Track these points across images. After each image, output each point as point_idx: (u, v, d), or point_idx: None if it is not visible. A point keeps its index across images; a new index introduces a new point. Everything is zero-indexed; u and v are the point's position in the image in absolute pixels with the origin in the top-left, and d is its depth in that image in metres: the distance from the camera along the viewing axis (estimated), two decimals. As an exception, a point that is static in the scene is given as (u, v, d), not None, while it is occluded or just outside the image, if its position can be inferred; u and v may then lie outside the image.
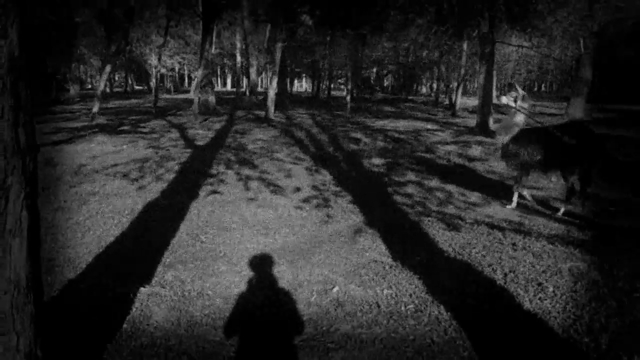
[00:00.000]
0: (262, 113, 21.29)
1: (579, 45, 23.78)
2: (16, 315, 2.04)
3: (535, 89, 59.82)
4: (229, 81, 67.95)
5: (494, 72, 18.44)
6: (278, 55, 21.66)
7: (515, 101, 6.88)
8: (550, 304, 4.02)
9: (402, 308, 4.05)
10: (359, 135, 15.91)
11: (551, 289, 4.27)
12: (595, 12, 20.28)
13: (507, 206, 7.18)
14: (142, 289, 4.30)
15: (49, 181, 8.24)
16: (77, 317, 3.73)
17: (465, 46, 26.33)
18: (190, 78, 57.78)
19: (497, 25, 17.98)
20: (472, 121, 20.10)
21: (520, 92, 7.02)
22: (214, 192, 7.97)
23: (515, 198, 7.24)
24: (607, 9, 20.68)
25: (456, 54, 29.21)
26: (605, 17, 21.16)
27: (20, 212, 2.05)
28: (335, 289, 4.45)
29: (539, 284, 4.36)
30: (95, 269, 4.75)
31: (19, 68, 2.01)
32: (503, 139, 7.14)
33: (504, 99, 6.99)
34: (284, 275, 4.80)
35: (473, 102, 31.99)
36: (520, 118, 6.97)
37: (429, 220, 6.44)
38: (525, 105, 6.94)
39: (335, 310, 4.05)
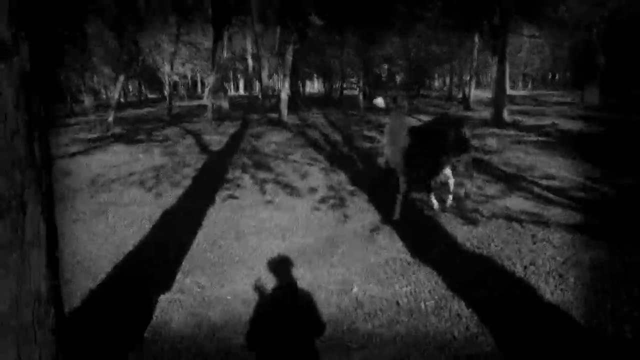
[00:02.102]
0: (276, 116, 21.32)
1: (591, 32, 23.48)
2: (37, 328, 2.07)
3: (550, 78, 59.13)
4: (241, 85, 68.14)
5: (507, 64, 18.24)
6: (289, 57, 21.67)
7: (394, 101, 6.15)
8: (572, 295, 3.97)
9: (422, 305, 4.03)
10: (373, 133, 15.89)
11: (572, 280, 4.22)
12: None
13: (436, 207, 6.73)
14: (162, 295, 4.33)
15: (67, 192, 8.33)
16: (98, 326, 3.76)
17: (476, 39, 26.14)
18: (202, 84, 58.07)
19: (508, 16, 17.82)
20: (486, 114, 19.95)
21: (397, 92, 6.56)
22: (231, 196, 8.00)
23: (434, 200, 6.80)
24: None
25: (467, 47, 29.00)
26: (616, 2, 20.87)
27: (38, 224, 2.08)
28: (354, 289, 4.44)
29: (560, 276, 4.32)
30: (115, 278, 4.80)
31: (32, 83, 2.04)
32: (390, 147, 6.30)
33: (379, 101, 6.12)
34: (302, 277, 4.80)
35: (487, 94, 31.75)
36: (401, 120, 6.21)
37: (446, 215, 6.40)
38: (404, 104, 6.24)
39: (355, 310, 4.04)
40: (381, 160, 6.78)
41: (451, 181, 7.10)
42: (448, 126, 6.96)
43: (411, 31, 27.67)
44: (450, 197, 7.04)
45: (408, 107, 6.36)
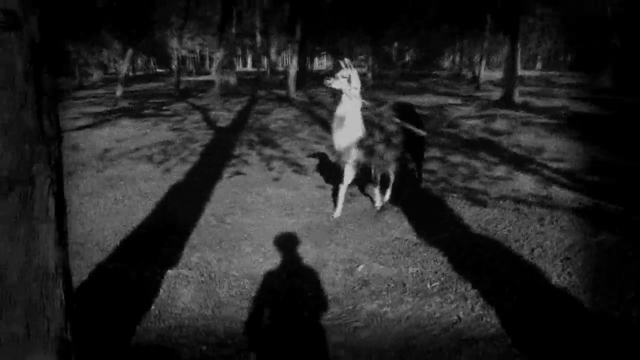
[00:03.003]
0: (283, 92, 21.22)
1: (606, 12, 23.09)
2: (46, 301, 2.07)
3: (561, 59, 58.34)
4: (249, 61, 67.78)
5: (519, 44, 18.00)
6: (298, 34, 21.49)
7: (349, 82, 5.42)
8: (578, 278, 3.95)
9: (428, 286, 4.03)
10: (381, 112, 15.77)
11: (580, 263, 4.20)
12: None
13: (377, 206, 6.23)
14: (169, 271, 4.35)
15: (75, 166, 8.36)
16: (105, 300, 3.80)
17: (488, 18, 25.78)
18: (211, 59, 57.75)
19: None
20: (496, 94, 19.76)
21: (350, 69, 5.49)
22: (238, 173, 8.00)
23: (378, 195, 6.26)
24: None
25: (479, 26, 28.62)
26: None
27: (47, 199, 2.07)
28: (360, 268, 4.45)
29: (567, 259, 4.30)
30: (122, 252, 4.82)
31: (41, 55, 2.01)
32: (339, 136, 5.68)
33: (336, 83, 5.41)
34: (308, 254, 4.81)
35: (498, 74, 31.44)
36: (353, 105, 5.55)
37: (453, 196, 6.37)
38: (357, 86, 5.50)
39: (361, 288, 4.05)
40: (339, 155, 5.87)
41: (393, 177, 6.52)
42: (404, 116, 6.21)
43: (423, 10, 27.33)
44: (389, 193, 6.54)
45: (363, 87, 5.65)
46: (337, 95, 5.63)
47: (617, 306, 3.50)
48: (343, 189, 5.98)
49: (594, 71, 25.52)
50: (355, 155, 5.71)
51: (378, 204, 6.24)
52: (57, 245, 2.13)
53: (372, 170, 6.08)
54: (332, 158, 5.95)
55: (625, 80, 24.01)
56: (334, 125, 5.66)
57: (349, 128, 5.54)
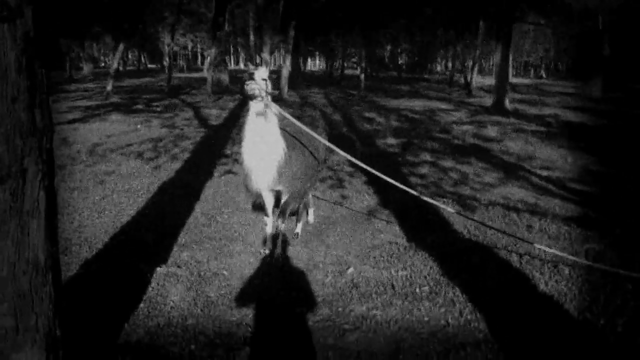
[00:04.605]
0: (276, 92, 21.16)
1: (597, 22, 23.31)
2: (35, 296, 2.06)
3: (552, 66, 58.85)
4: (241, 60, 67.67)
5: (511, 51, 18.12)
6: (291, 33, 21.49)
7: (266, 84, 4.22)
8: (566, 286, 3.98)
9: (417, 289, 4.04)
10: (373, 114, 15.83)
11: (567, 271, 4.23)
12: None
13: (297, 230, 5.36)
14: (158, 269, 4.32)
15: (65, 160, 8.29)
16: (94, 297, 3.76)
17: (481, 24, 25.93)
18: (203, 56, 57.59)
19: (515, 2, 17.66)
20: (488, 101, 19.88)
21: (265, 68, 4.39)
22: (229, 171, 7.97)
23: (300, 223, 5.42)
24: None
25: (471, 33, 28.79)
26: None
27: (37, 193, 2.05)
28: (350, 270, 4.45)
29: (555, 266, 4.32)
30: (111, 248, 4.78)
31: (35, 48, 2.00)
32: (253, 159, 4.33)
33: (256, 87, 4.09)
34: (299, 256, 4.80)
35: (489, 81, 31.61)
36: (269, 113, 4.28)
37: (443, 201, 6.39)
38: (269, 90, 4.26)
39: (350, 291, 4.04)
40: (250, 184, 4.50)
41: (311, 200, 5.78)
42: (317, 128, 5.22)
43: (417, 13, 27.43)
44: (311, 216, 5.81)
45: (272, 95, 4.31)
46: (247, 104, 4.32)
47: (602, 315, 3.52)
48: (269, 222, 4.85)
49: (584, 80, 25.73)
50: (273, 178, 4.40)
51: (299, 230, 5.36)
52: (47, 240, 2.11)
53: (284, 199, 4.78)
54: (244, 183, 4.56)
55: (615, 90, 24.25)
56: (245, 142, 4.31)
57: (265, 145, 4.25)
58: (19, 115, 1.94)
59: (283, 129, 4.49)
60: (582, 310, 3.62)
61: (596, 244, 4.84)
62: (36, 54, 2.01)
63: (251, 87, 4.07)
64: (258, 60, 3.64)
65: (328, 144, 4.89)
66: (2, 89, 1.88)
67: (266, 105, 4.21)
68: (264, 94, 4.14)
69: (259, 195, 4.72)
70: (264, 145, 4.24)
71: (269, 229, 4.87)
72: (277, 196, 4.84)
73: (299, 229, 5.39)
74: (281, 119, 4.47)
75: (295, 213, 5.39)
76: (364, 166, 4.48)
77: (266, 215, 4.87)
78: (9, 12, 1.87)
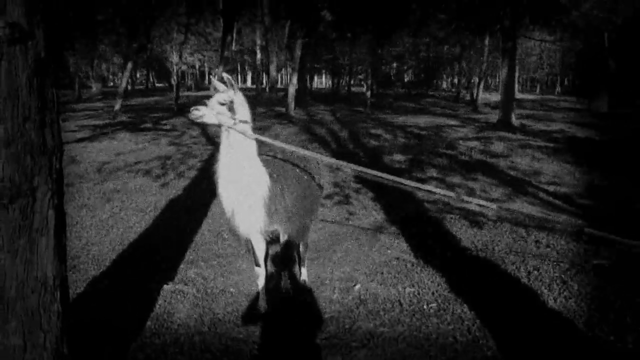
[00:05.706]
0: (283, 109, 21.29)
1: (603, 39, 23.36)
2: (43, 314, 2.07)
3: (558, 83, 58.82)
4: (249, 78, 68.11)
5: (516, 67, 18.15)
6: (298, 51, 21.66)
7: (231, 111, 3.42)
8: (575, 302, 3.95)
9: (425, 306, 4.02)
10: (379, 131, 15.84)
11: (576, 287, 4.20)
12: (619, 5, 19.86)
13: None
14: (165, 286, 4.33)
15: (73, 179, 8.35)
16: (101, 314, 3.77)
17: (487, 41, 26.04)
18: (210, 75, 58.10)
19: (519, 19, 17.72)
20: (494, 117, 19.87)
21: (233, 91, 3.49)
22: (236, 189, 7.98)
23: (305, 270, 4.61)
24: (632, 2, 20.26)
25: (477, 49, 28.91)
26: (629, 10, 20.73)
27: (47, 211, 2.07)
28: (357, 287, 4.43)
29: (564, 282, 4.30)
30: (119, 266, 4.80)
31: (46, 69, 2.03)
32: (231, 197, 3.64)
33: (209, 115, 3.37)
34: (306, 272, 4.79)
35: (495, 97, 31.65)
36: (244, 146, 3.52)
37: (451, 217, 6.38)
38: (247, 117, 3.52)
39: (358, 308, 4.03)
40: (234, 229, 3.75)
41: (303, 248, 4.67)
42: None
43: (423, 31, 27.57)
44: (305, 275, 4.64)
45: (253, 121, 3.60)
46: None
47: (612, 332, 3.49)
48: (261, 273, 4.03)
49: (590, 96, 25.72)
50: (263, 220, 3.64)
51: (306, 279, 4.57)
52: (55, 258, 2.13)
53: (283, 239, 4.34)
54: (226, 230, 4.05)
55: (621, 105, 24.19)
56: (220, 180, 3.66)
57: (244, 182, 3.54)
58: (29, 135, 1.97)
59: (271, 157, 3.95)
60: (592, 327, 3.59)
61: (604, 259, 4.80)
62: (47, 75, 2.05)
63: (194, 114, 3.34)
64: (219, 79, 2.93)
65: (330, 160, 4.72)
66: (13, 109, 1.91)
67: (242, 133, 3.42)
68: (228, 121, 3.36)
69: (247, 241, 3.96)
70: (241, 182, 3.51)
71: (261, 282, 4.04)
72: (275, 238, 4.24)
73: (304, 275, 4.56)
74: (269, 145, 3.86)
75: (295, 255, 4.84)
76: (375, 172, 3.29)
77: (257, 265, 4.01)
78: (21, 34, 1.91)
